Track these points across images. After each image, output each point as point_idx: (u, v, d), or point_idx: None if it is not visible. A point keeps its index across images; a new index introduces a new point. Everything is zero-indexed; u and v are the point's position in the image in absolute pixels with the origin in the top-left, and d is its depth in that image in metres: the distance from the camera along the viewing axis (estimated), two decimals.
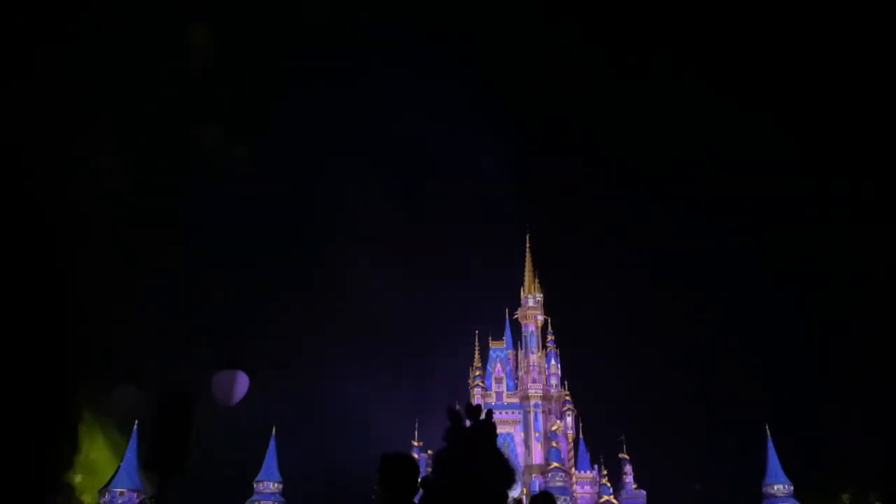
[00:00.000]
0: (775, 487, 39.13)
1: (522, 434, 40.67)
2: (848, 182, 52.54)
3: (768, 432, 40.14)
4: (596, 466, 39.90)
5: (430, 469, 3.12)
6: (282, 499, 39.38)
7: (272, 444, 40.22)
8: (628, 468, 40.06)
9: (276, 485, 39.44)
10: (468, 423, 3.03)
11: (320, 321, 48.34)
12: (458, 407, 3.40)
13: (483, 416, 3.06)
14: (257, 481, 39.27)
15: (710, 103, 54.52)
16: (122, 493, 35.81)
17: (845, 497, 38.00)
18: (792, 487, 38.98)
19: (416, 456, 36.59)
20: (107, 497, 35.96)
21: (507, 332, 44.14)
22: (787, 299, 51.16)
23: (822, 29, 52.02)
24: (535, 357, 41.77)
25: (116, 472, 36.60)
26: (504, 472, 3.01)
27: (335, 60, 53.18)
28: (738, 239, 54.54)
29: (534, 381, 41.11)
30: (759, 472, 39.84)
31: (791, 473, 39.28)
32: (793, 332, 49.60)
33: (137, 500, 35.28)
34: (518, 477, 38.27)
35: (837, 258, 50.80)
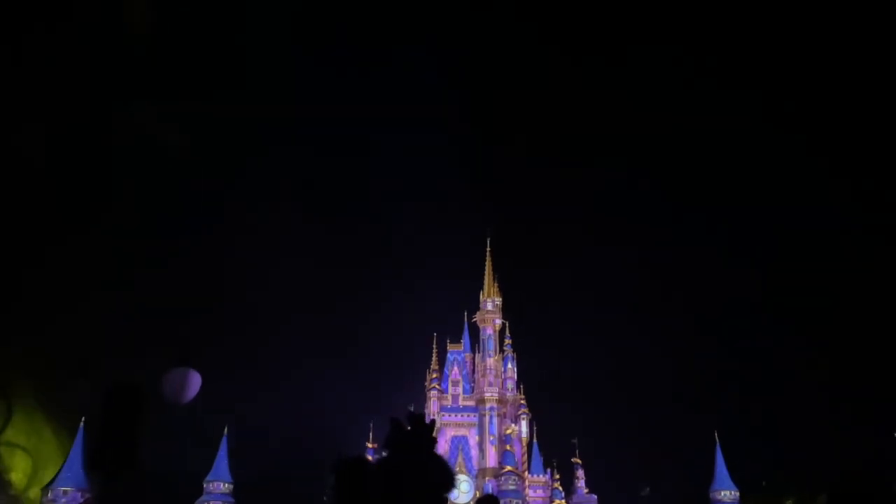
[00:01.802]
0: (722, 493, 40.07)
1: (477, 437, 40.80)
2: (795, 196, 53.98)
3: (717, 439, 41.12)
4: (549, 470, 40.25)
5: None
6: (232, 500, 38.78)
7: (224, 443, 39.63)
8: (580, 472, 40.51)
9: (226, 485, 38.84)
10: (409, 430, 3.04)
11: (276, 321, 47.85)
12: (410, 412, 3.43)
13: (426, 422, 3.08)
14: (207, 481, 38.62)
15: (676, 101, 55.47)
16: (65, 492, 34.88)
17: (788, 503, 39.03)
18: (738, 494, 39.97)
19: (369, 458, 36.47)
20: (50, 495, 34.99)
21: (465, 335, 44.24)
22: (742, 308, 52.32)
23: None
24: (492, 360, 41.92)
25: (60, 469, 35.67)
26: (442, 479, 3.03)
27: (293, 59, 52.65)
28: (698, 248, 55.57)
29: (490, 385, 41.26)
30: (708, 478, 40.77)
31: (739, 480, 40.30)
32: (745, 341, 50.77)
33: (81, 500, 34.40)
34: (458, 483, 38.26)
35: (793, 272, 52.20)
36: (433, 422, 3.14)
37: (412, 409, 37.89)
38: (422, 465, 2.92)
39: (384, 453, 3.05)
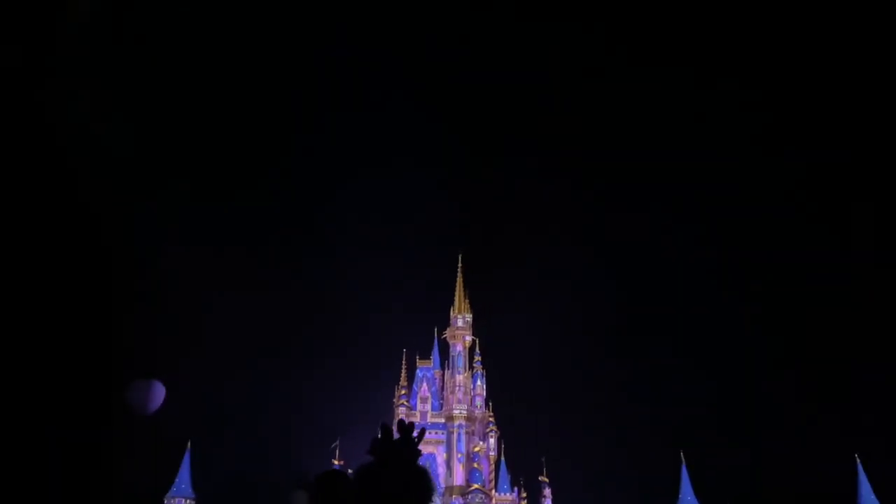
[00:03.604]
0: None
1: (445, 455, 40.55)
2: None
3: (682, 458, 41.44)
4: (516, 488, 40.09)
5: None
6: None
7: (186, 458, 38.90)
8: (547, 491, 40.41)
9: (188, 501, 38.12)
10: (397, 437, 3.01)
11: (241, 335, 47.24)
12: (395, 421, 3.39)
13: (415, 434, 3.05)
14: (169, 497, 37.85)
15: (652, 118, 56.20)
16: None
17: None
18: None
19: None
20: None
21: (435, 352, 44.11)
22: (715, 324, 52.93)
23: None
24: (461, 377, 41.81)
25: None
26: (423, 491, 2.99)
27: (269, 69, 52.49)
28: (668, 269, 56.19)
29: (459, 402, 41.12)
30: (673, 497, 41.03)
31: (704, 498, 40.62)
32: (715, 358, 51.39)
33: None
34: (437, 497, 37.92)
35: (769, 284, 53.00)
36: (423, 431, 3.10)
37: (380, 425, 37.61)
38: (403, 476, 2.88)
39: (367, 459, 3.00)
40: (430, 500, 2.98)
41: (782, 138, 53.28)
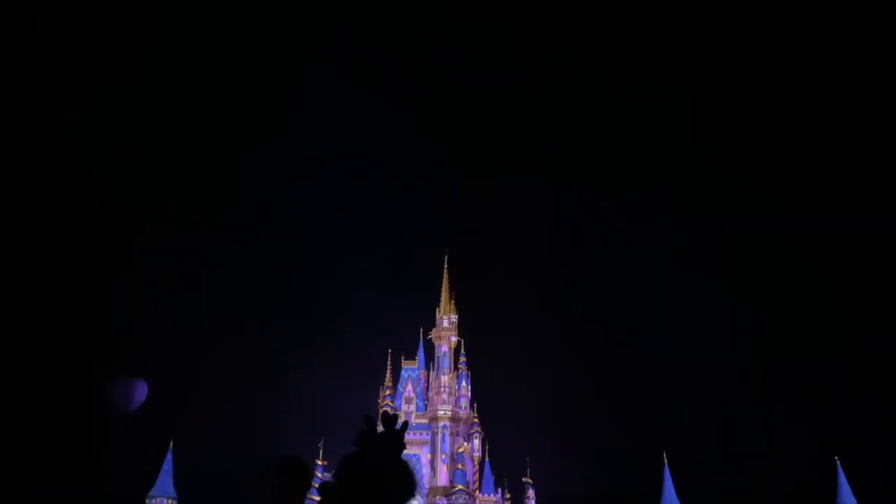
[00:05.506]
0: None
1: (429, 455, 40.50)
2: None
3: (666, 461, 41.66)
4: (500, 489, 40.14)
5: (332, 472, 3.07)
6: None
7: (168, 457, 38.63)
8: (531, 492, 40.49)
9: (170, 501, 37.85)
10: (381, 429, 3.00)
11: (226, 334, 46.99)
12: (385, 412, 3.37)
13: (399, 425, 3.04)
14: (150, 497, 37.56)
15: (634, 121, 56.55)
16: None
17: None
18: None
19: (319, 475, 35.89)
20: None
21: (420, 352, 44.05)
22: (697, 329, 53.30)
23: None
24: (446, 378, 41.76)
25: None
26: (405, 484, 2.98)
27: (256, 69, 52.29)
28: (655, 267, 56.47)
29: (443, 403, 41.07)
30: (656, 498, 41.26)
31: (687, 499, 40.90)
32: (697, 362, 51.71)
33: None
34: (421, 493, 37.93)
35: (747, 286, 53.40)
36: (406, 423, 3.09)
37: (364, 427, 37.50)
38: (385, 466, 2.87)
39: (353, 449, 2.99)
40: (413, 492, 2.96)
41: (776, 141, 53.79)
